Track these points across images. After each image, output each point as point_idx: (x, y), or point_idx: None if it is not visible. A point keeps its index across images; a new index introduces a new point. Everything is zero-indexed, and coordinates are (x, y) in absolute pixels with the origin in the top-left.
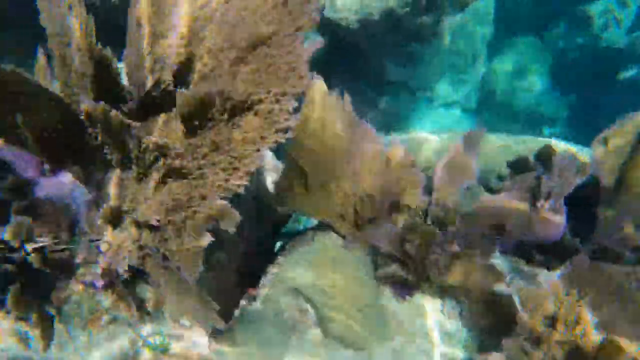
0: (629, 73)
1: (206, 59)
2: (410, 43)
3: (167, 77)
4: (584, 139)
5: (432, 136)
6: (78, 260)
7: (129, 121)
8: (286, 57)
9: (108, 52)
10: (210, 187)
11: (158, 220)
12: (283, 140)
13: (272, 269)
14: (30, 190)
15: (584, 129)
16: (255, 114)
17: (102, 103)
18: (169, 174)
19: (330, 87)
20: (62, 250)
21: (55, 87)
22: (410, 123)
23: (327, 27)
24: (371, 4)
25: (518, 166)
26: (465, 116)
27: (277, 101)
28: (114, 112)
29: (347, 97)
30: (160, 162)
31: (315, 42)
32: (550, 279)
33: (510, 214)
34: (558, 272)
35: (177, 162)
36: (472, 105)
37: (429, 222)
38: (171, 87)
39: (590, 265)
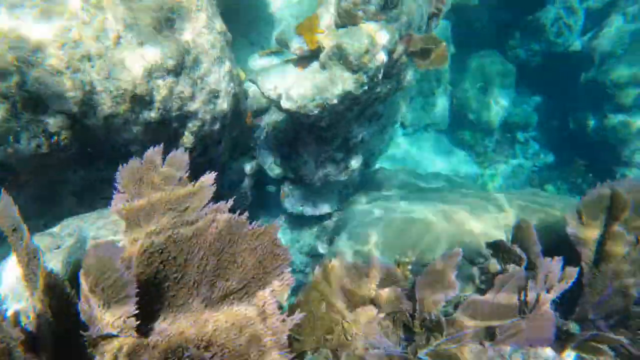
0: (589, 75)
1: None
2: (373, 105)
3: None
4: (556, 139)
5: None
6: None
7: None
8: None
9: None
10: None
11: None
12: None
13: None
14: None
15: (555, 131)
16: None
17: None
18: None
19: (301, 156)
20: None
21: None
22: (387, 149)
23: (287, 113)
24: (328, 89)
25: (497, 248)
26: (440, 136)
27: None
28: None
29: None
30: None
31: (276, 227)
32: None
33: (500, 319)
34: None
35: None
36: (445, 125)
37: (416, 326)
38: None
39: None
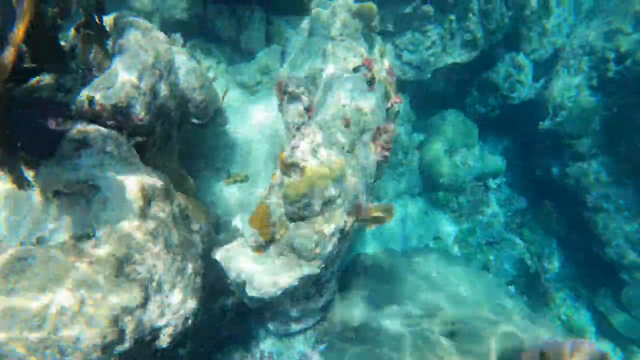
0: (545, 124)
1: None
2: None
3: None
4: (525, 182)
5: None
6: None
7: None
8: None
9: None
10: None
11: None
12: None
13: None
14: None
15: (523, 174)
16: None
17: None
18: None
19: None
20: None
21: None
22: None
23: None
24: (288, 274)
25: None
26: (415, 200)
27: None
28: None
29: None
30: None
31: None
32: None
33: None
34: None
35: None
36: (419, 189)
37: None
38: None
39: None
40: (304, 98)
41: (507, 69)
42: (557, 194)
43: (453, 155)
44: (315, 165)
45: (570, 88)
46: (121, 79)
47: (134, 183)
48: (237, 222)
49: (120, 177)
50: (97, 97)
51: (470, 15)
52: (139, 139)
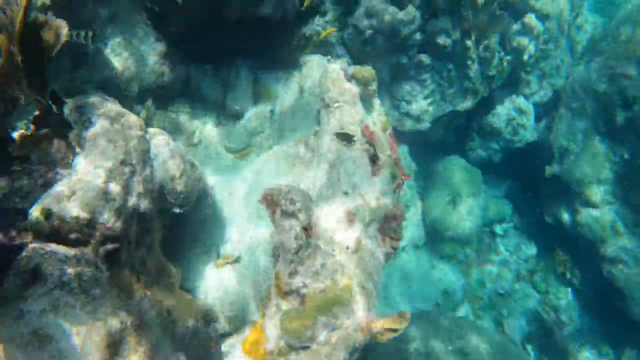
0: (552, 169)
1: None
2: None
3: None
4: (533, 227)
5: None
6: None
7: None
8: None
9: None
10: None
11: None
12: None
13: None
14: None
15: (531, 218)
16: None
17: None
18: None
19: None
20: None
21: None
22: None
23: None
24: None
25: None
26: (419, 252)
27: None
28: None
29: None
30: None
31: None
32: None
33: None
34: None
35: None
36: (422, 242)
37: None
38: None
39: None
40: (301, 216)
41: (509, 112)
42: (569, 242)
43: (458, 205)
44: (318, 291)
45: (575, 132)
46: (85, 184)
47: (96, 329)
48: (230, 311)
49: (79, 323)
50: (56, 209)
51: (469, 62)
52: (110, 246)
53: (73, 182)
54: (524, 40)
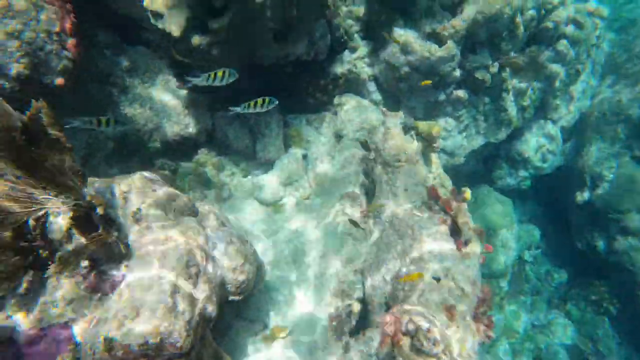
0: (585, 195)
1: None
2: None
3: None
4: (563, 253)
5: None
6: None
7: None
8: None
9: None
10: None
11: None
12: None
13: None
14: None
15: (558, 243)
16: None
17: None
18: None
19: None
20: None
21: None
22: None
23: None
24: None
25: None
26: None
27: None
28: None
29: None
30: None
31: None
32: None
33: None
34: None
35: None
36: None
37: None
38: None
39: None
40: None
41: (538, 139)
42: (605, 270)
43: (492, 238)
44: None
45: (608, 157)
46: (149, 297)
47: None
48: None
49: None
50: (118, 337)
51: (505, 95)
52: None
53: (133, 296)
54: (557, 68)
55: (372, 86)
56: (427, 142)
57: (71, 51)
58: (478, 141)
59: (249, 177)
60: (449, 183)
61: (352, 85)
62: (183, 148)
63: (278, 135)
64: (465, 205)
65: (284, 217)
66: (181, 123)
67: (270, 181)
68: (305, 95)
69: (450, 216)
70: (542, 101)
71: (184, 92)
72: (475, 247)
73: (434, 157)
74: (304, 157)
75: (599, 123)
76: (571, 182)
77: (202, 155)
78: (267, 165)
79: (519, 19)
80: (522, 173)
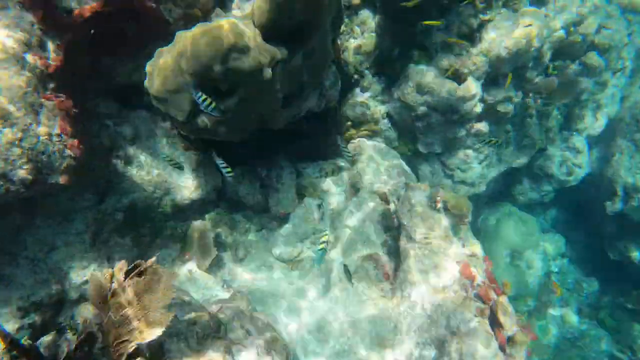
0: (616, 206)
1: None
2: None
3: None
4: (591, 261)
5: None
6: None
7: None
8: None
9: None
10: None
11: None
12: None
13: None
14: None
15: (585, 251)
16: None
17: None
18: None
19: None
20: None
21: None
22: None
23: None
24: None
25: None
26: None
27: None
28: None
29: None
30: None
31: None
32: None
33: None
34: None
35: None
36: None
37: None
38: None
39: None
40: None
41: (563, 153)
42: None
43: (516, 260)
44: None
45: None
46: None
47: None
48: None
49: None
50: None
51: (529, 120)
52: None
53: None
54: (584, 81)
55: (385, 124)
56: (458, 218)
57: (73, 150)
58: (500, 168)
59: (263, 230)
60: (479, 249)
61: (366, 124)
62: (194, 207)
63: (290, 188)
64: (506, 299)
65: (301, 276)
66: (190, 185)
67: (285, 237)
68: (317, 143)
69: (489, 306)
70: (567, 113)
71: (191, 152)
72: (521, 348)
73: (463, 229)
74: (319, 206)
75: (630, 130)
76: (599, 191)
77: (214, 214)
78: (282, 220)
79: (546, 47)
80: (546, 187)
